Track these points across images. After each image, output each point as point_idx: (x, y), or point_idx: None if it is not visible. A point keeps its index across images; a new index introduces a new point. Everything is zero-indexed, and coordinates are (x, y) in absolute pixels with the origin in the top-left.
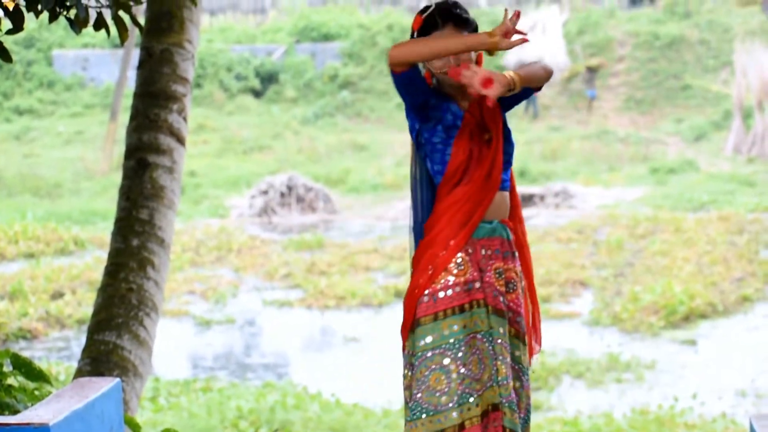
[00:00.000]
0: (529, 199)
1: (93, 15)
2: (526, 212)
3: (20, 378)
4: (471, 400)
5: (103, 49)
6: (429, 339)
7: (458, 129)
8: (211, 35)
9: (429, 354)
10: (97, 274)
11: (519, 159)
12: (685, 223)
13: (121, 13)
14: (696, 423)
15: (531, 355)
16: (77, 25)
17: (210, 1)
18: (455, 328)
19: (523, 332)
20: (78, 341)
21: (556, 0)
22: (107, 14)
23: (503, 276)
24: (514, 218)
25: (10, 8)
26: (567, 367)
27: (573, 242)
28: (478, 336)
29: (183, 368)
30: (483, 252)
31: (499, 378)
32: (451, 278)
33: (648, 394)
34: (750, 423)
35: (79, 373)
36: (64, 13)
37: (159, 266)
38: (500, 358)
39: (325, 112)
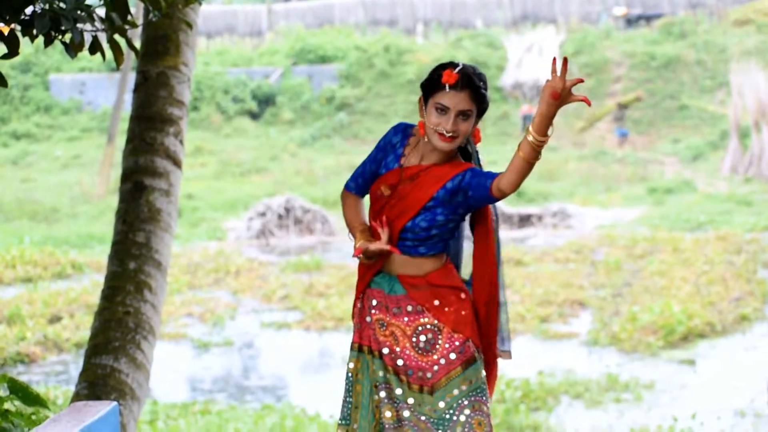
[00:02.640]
0: (526, 219)
1: (89, 39)
2: (523, 232)
3: (17, 402)
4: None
5: (100, 72)
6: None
7: (377, 178)
8: (208, 58)
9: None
10: (95, 298)
11: None
12: (683, 243)
13: (116, 36)
14: None
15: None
16: (72, 49)
17: (207, 24)
18: (350, 366)
19: (425, 384)
20: (76, 365)
21: (553, 21)
22: (103, 38)
23: (385, 327)
24: (484, 278)
25: (5, 33)
26: (565, 387)
27: (571, 262)
28: (359, 377)
29: (181, 391)
30: (374, 302)
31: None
32: (355, 318)
33: (647, 414)
34: None
35: (77, 397)
36: (60, 37)
37: (156, 289)
38: (382, 404)
39: (322, 133)
